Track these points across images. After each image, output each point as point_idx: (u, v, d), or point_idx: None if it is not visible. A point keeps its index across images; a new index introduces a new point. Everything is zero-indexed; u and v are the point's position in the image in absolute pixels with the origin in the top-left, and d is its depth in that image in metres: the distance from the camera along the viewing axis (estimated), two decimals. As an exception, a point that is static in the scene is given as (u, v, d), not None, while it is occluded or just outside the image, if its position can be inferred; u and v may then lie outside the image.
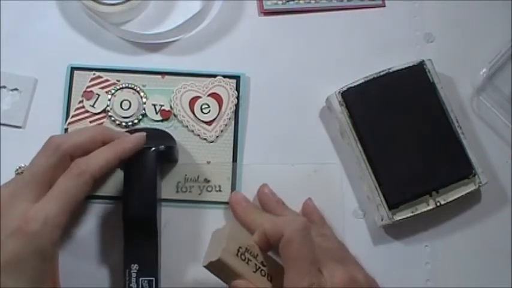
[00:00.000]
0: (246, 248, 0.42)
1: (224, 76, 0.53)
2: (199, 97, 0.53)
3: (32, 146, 0.51)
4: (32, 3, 0.55)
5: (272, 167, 0.52)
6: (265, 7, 0.55)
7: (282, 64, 0.55)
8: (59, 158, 0.41)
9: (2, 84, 0.52)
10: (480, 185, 0.50)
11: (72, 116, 0.52)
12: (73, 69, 0.53)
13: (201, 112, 0.52)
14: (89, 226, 0.50)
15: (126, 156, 0.44)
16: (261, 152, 0.53)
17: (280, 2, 0.55)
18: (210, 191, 0.51)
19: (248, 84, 0.54)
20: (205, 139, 0.52)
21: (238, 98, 0.53)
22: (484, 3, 0.57)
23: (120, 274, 0.46)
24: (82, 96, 0.52)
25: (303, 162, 0.52)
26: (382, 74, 0.51)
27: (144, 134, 0.46)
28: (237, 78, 0.53)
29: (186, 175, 0.51)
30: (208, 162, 0.52)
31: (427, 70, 0.52)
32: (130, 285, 0.45)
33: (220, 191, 0.51)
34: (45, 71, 0.53)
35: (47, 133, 0.51)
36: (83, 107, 0.52)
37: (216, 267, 0.41)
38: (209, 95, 0.53)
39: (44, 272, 0.40)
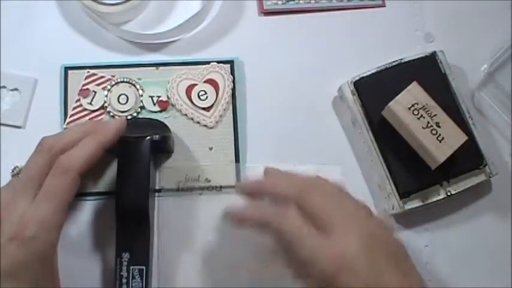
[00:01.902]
0: (424, 106, 0.46)
1: (218, 62, 0.53)
2: (195, 84, 0.53)
3: (32, 146, 0.51)
4: (32, 3, 0.55)
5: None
6: (265, 7, 0.55)
7: (282, 64, 0.55)
8: (54, 159, 0.41)
9: (2, 84, 0.52)
10: (491, 176, 0.50)
11: (71, 116, 0.52)
12: (67, 68, 0.53)
13: (198, 99, 0.52)
14: (82, 222, 0.50)
15: (109, 144, 0.43)
16: (262, 131, 0.53)
17: (280, 2, 0.56)
18: (210, 191, 0.51)
19: (243, 69, 0.54)
20: (205, 125, 0.52)
21: (234, 82, 0.53)
22: (484, 3, 0.57)
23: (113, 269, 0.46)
24: (78, 94, 0.52)
25: (305, 162, 0.52)
26: (394, 64, 0.51)
27: (125, 118, 0.46)
28: (230, 62, 0.54)
29: (186, 175, 0.51)
30: (211, 149, 0.52)
31: (439, 61, 0.52)
32: (121, 273, 0.45)
33: (220, 190, 0.51)
34: (45, 71, 0.53)
35: (47, 133, 0.51)
36: (81, 105, 0.52)
37: (389, 115, 0.48)
38: (205, 82, 0.53)
39: (45, 274, 0.40)
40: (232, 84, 0.53)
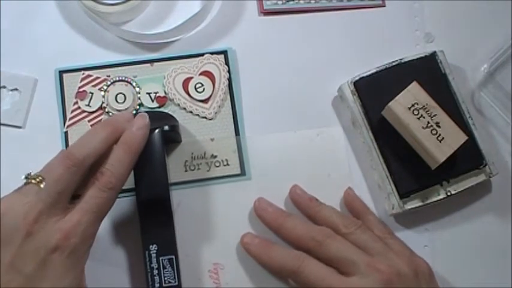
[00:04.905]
0: (424, 106, 0.46)
1: (211, 53, 0.54)
2: (191, 77, 0.53)
3: (32, 146, 0.51)
4: (32, 3, 0.55)
5: (275, 135, 0.53)
6: (265, 7, 0.55)
7: (282, 64, 0.55)
8: (84, 173, 0.42)
9: (2, 84, 0.52)
10: (491, 176, 0.50)
11: (70, 119, 0.52)
12: (61, 72, 0.53)
13: (195, 92, 0.53)
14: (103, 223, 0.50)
15: (142, 149, 0.45)
16: (261, 122, 0.53)
17: (280, 2, 0.56)
18: (218, 166, 0.52)
19: (236, 59, 0.54)
20: (204, 117, 0.53)
21: (229, 72, 0.53)
22: (484, 3, 0.57)
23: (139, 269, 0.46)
24: (76, 97, 0.52)
25: (305, 128, 0.53)
26: (394, 64, 0.52)
27: (145, 113, 0.46)
28: (224, 52, 0.54)
29: (192, 153, 0.52)
30: (212, 139, 0.52)
31: (439, 61, 0.52)
32: (151, 265, 0.46)
33: (228, 165, 0.52)
34: (45, 71, 0.53)
35: (47, 133, 0.51)
36: (79, 107, 0.52)
37: (389, 115, 0.48)
38: (201, 74, 0.53)
39: (80, 276, 0.42)
40: (228, 74, 0.53)
